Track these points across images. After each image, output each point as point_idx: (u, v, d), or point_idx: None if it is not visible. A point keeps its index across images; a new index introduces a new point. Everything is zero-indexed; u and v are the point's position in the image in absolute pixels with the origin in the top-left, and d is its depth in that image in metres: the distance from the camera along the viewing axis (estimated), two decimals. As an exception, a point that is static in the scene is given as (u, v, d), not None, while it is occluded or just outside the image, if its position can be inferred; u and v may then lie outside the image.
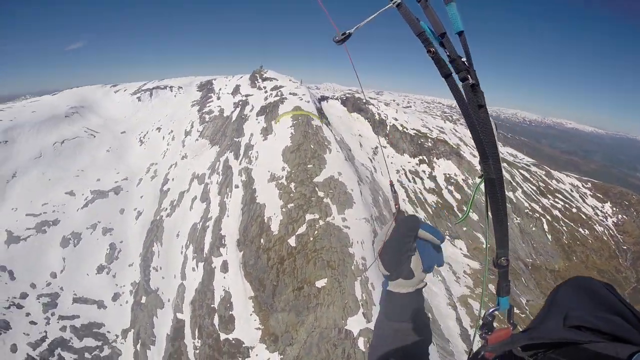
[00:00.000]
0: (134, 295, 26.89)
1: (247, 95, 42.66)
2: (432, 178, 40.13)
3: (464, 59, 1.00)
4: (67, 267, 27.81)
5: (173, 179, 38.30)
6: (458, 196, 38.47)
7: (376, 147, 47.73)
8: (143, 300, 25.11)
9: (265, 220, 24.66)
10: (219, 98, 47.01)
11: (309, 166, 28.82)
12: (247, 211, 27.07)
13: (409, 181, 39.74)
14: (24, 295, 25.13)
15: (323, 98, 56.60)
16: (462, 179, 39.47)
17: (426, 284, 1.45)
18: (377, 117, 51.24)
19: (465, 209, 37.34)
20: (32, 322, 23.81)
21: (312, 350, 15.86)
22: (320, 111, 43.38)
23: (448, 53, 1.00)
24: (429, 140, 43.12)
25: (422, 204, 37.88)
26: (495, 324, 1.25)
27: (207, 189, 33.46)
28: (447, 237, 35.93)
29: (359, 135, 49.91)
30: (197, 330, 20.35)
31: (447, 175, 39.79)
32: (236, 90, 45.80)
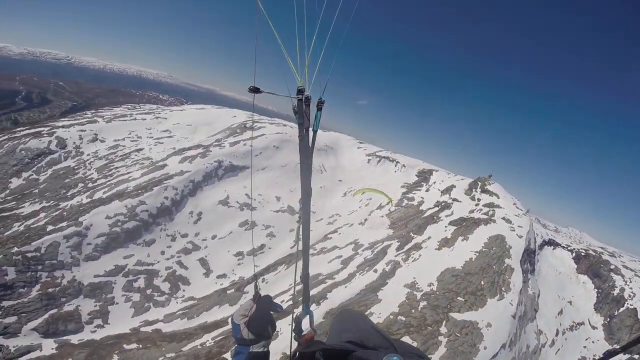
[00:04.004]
0: (230, 285, 30.33)
1: (454, 200, 39.50)
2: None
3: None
4: (229, 238, 35.23)
5: (340, 234, 40.76)
6: None
7: (581, 323, 32.59)
8: (229, 292, 27.81)
9: (367, 312, 21.76)
10: (427, 190, 46.30)
11: (459, 298, 23.26)
12: (365, 296, 24.80)
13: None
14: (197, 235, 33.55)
15: (550, 242, 43.70)
16: None
17: (270, 341, 2.09)
18: (616, 291, 34.37)
19: None
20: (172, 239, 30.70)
21: None
22: (529, 254, 33.81)
23: (305, 142, 1.66)
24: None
25: None
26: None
27: (353, 258, 33.25)
28: None
29: (569, 301, 35.74)
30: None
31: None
32: (447, 190, 43.34)
